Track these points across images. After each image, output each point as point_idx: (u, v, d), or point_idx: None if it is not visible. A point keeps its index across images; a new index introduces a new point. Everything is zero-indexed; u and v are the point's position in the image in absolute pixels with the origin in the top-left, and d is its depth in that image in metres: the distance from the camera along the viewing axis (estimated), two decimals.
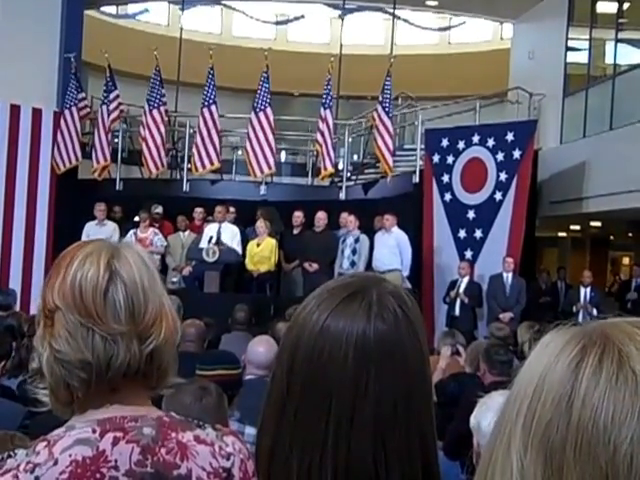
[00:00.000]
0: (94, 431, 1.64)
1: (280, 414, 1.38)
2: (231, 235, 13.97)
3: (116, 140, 17.45)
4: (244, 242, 14.19)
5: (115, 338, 1.67)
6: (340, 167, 17.75)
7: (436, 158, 14.94)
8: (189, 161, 16.46)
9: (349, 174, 17.68)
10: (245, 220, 14.86)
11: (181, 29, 22.41)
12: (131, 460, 1.63)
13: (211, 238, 13.67)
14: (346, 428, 1.32)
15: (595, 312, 14.42)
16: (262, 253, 13.86)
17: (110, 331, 1.67)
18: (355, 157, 20.01)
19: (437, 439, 1.44)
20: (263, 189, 16.29)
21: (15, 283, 15.03)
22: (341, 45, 21.82)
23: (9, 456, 1.61)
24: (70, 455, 1.60)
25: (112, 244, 1.80)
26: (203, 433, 1.74)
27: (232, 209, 14.85)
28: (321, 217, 14.37)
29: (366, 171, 18.53)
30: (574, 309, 14.67)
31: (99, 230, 14.60)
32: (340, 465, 1.33)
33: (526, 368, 1.06)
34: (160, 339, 1.72)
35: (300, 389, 1.36)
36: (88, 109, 17.14)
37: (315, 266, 13.97)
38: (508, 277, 13.57)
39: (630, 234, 21.52)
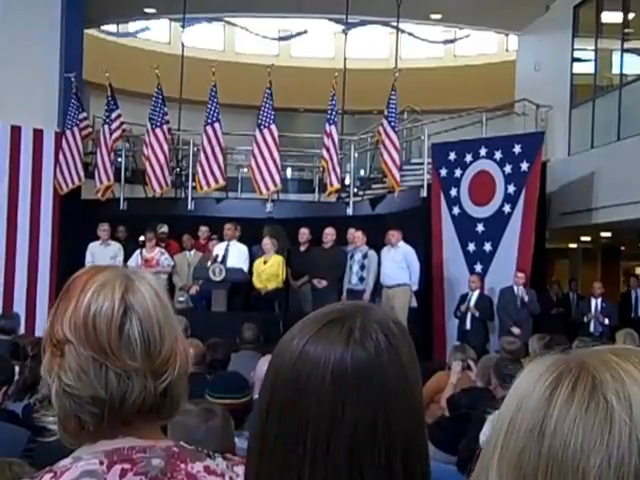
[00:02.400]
0: (101, 463, 1.59)
1: (261, 439, 1.37)
2: (238, 254, 13.91)
3: (119, 159, 17.43)
4: (251, 260, 14.10)
5: (130, 374, 1.63)
6: (347, 183, 17.72)
7: (443, 172, 14.91)
8: (193, 179, 16.41)
9: (356, 190, 17.68)
10: (251, 238, 14.75)
11: (183, 46, 22.38)
12: None
13: (217, 257, 13.60)
14: (322, 452, 1.31)
15: (607, 322, 14.58)
16: (270, 270, 13.80)
17: (125, 367, 1.63)
18: (362, 172, 19.98)
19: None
20: (269, 206, 16.25)
21: (19, 306, 14.94)
22: (345, 60, 21.81)
23: None
24: None
25: (125, 274, 1.73)
26: (213, 463, 1.69)
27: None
28: (329, 233, 14.33)
29: (373, 186, 18.53)
30: (585, 319, 14.68)
31: (103, 250, 14.56)
32: None
33: (509, 395, 1.07)
34: (175, 374, 1.69)
35: (279, 414, 1.35)
36: (90, 129, 17.09)
37: (324, 282, 13.92)
38: (519, 289, 13.50)
39: None
